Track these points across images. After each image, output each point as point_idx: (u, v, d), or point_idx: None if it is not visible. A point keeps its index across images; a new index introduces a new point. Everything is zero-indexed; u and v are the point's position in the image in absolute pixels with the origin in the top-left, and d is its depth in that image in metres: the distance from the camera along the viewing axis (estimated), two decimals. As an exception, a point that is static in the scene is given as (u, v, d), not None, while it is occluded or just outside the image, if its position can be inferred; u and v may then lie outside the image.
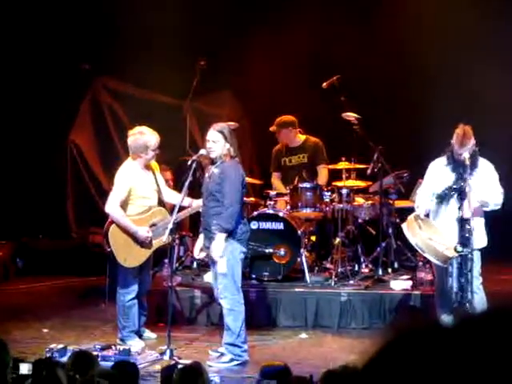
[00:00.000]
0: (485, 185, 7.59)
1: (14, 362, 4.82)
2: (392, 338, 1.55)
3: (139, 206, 8.06)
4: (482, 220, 7.74)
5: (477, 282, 7.62)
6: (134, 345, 7.94)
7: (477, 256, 7.64)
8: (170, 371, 5.51)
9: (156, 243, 8.05)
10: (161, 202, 8.23)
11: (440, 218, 7.76)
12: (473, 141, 7.54)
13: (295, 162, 10.25)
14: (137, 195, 8.02)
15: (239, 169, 7.59)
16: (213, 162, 7.65)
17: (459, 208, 7.55)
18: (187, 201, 8.12)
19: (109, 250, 7.99)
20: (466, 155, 7.48)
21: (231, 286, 7.52)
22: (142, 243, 8.01)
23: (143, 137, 7.99)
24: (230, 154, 7.54)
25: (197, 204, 8.11)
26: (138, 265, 8.07)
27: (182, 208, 8.01)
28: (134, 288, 8.10)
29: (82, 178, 12.25)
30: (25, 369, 4.85)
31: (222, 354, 7.60)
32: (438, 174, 7.72)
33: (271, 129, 10.23)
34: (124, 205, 7.99)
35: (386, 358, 1.52)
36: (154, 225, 8.06)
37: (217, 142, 7.54)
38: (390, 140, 9.89)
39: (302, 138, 10.25)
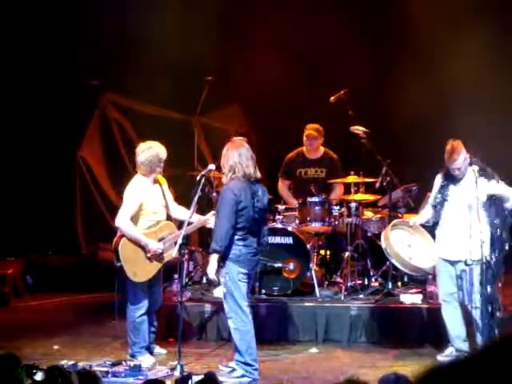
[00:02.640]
0: (495, 190, 7.64)
1: (28, 369, 4.83)
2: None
3: (148, 221, 8.08)
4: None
5: (477, 296, 7.59)
6: (145, 361, 7.92)
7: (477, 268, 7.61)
8: (185, 383, 5.50)
9: (165, 257, 8.06)
10: (169, 217, 8.24)
11: (447, 230, 7.78)
12: (463, 155, 7.61)
13: (311, 174, 10.23)
14: (147, 210, 8.04)
15: (235, 189, 7.40)
16: None
17: (468, 221, 7.57)
18: (196, 217, 8.12)
19: (118, 264, 7.99)
20: (464, 171, 7.58)
21: (234, 306, 7.50)
22: (152, 257, 8.01)
23: (153, 151, 8.02)
24: (232, 174, 7.48)
25: (203, 219, 8.11)
26: (148, 279, 8.07)
27: (190, 223, 8.02)
28: (144, 304, 8.10)
29: (90, 193, 12.28)
30: (39, 377, 4.88)
31: (234, 370, 7.58)
32: (441, 185, 7.85)
33: (306, 134, 10.11)
34: (134, 219, 8.00)
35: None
36: (162, 239, 8.06)
37: (224, 161, 7.54)
38: (399, 153, 9.90)
39: (321, 150, 10.26)
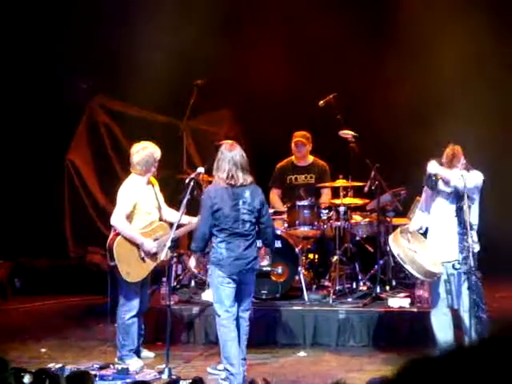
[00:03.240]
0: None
1: (16, 372, 4.83)
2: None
3: (142, 221, 8.09)
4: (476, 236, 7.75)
5: (466, 300, 7.60)
6: (133, 364, 7.92)
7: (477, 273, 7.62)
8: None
9: (158, 258, 8.06)
10: (160, 220, 8.26)
11: (438, 234, 7.79)
12: (463, 161, 7.63)
13: (301, 181, 10.26)
14: (141, 210, 8.05)
15: (211, 191, 7.44)
16: None
17: (458, 224, 7.60)
18: (186, 219, 8.14)
19: (112, 263, 7.98)
20: (463, 173, 7.56)
21: (217, 308, 7.49)
22: (146, 257, 8.01)
23: (148, 150, 8.04)
24: (217, 176, 7.46)
25: (196, 221, 8.12)
26: (140, 280, 8.06)
27: (179, 226, 8.03)
28: (135, 305, 8.09)
29: (79, 196, 12.27)
30: (28, 379, 4.87)
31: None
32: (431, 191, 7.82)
33: (295, 142, 10.14)
34: (128, 219, 8.01)
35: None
36: (156, 239, 8.07)
37: (216, 162, 7.54)
38: (387, 157, 9.93)
39: (310, 158, 10.29)
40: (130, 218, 8.03)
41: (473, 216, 7.66)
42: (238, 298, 7.52)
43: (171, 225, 8.04)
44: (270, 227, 7.64)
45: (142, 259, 8.02)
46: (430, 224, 7.88)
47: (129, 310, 8.07)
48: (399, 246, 7.76)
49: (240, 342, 7.49)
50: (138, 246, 8.02)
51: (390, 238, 8.01)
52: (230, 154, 7.42)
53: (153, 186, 8.22)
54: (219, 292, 7.44)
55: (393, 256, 8.20)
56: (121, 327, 8.13)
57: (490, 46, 10.93)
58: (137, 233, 8.01)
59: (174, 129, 10.96)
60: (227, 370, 7.39)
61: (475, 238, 7.66)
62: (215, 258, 7.41)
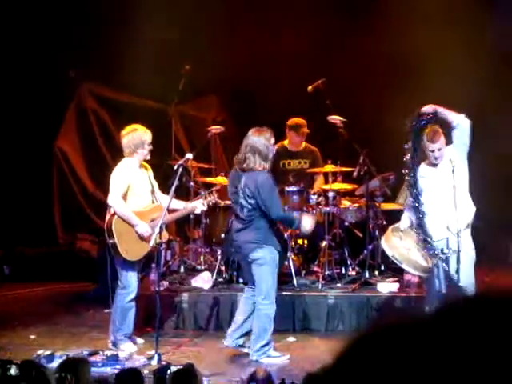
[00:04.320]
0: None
1: (3, 364, 4.81)
2: (360, 336, 1.48)
3: (136, 203, 8.07)
4: (468, 222, 7.77)
5: (465, 284, 7.60)
6: (127, 349, 7.93)
7: (466, 257, 7.63)
8: (163, 373, 5.51)
9: (152, 240, 8.04)
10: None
11: (426, 220, 7.80)
12: (443, 139, 7.64)
13: (294, 166, 10.26)
14: (134, 192, 8.04)
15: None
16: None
17: (445, 210, 7.61)
18: (181, 204, 8.18)
19: (111, 242, 7.98)
20: (442, 154, 7.61)
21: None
22: (143, 237, 8.01)
23: (137, 133, 8.04)
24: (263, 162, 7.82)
25: (191, 206, 8.15)
26: (138, 259, 8.07)
27: (173, 211, 8.08)
28: (135, 288, 8.10)
29: (68, 183, 12.24)
30: (14, 371, 4.85)
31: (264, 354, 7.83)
32: (422, 177, 7.80)
33: (302, 132, 10.16)
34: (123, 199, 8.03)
35: (356, 354, 1.46)
36: (153, 220, 8.06)
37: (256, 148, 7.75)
38: (376, 142, 9.92)
39: (302, 144, 10.30)
40: (124, 199, 8.03)
41: (464, 197, 7.66)
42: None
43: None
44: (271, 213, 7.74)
45: (141, 238, 8.02)
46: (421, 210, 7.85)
47: (128, 293, 8.07)
48: (393, 247, 7.76)
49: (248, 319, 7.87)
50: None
51: (383, 240, 8.01)
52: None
53: (146, 170, 8.21)
54: None
55: (387, 257, 8.18)
56: (118, 310, 8.12)
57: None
58: (132, 213, 8.01)
59: (162, 114, 10.94)
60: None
61: (466, 216, 7.66)
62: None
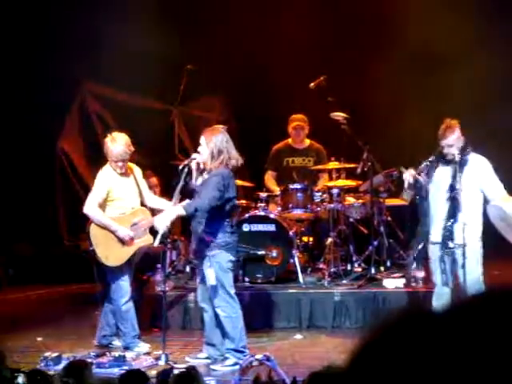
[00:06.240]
0: (480, 179, 7.56)
1: (12, 373, 4.80)
2: (375, 333, 1.47)
3: (118, 208, 8.08)
4: (478, 216, 7.67)
5: (471, 278, 7.55)
6: (140, 350, 7.98)
7: (472, 252, 7.58)
8: (166, 375, 5.51)
9: (138, 243, 8.05)
10: (144, 206, 8.23)
11: (433, 215, 7.75)
12: (457, 134, 7.51)
13: (298, 163, 10.27)
14: (113, 197, 8.04)
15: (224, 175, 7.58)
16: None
17: (451, 205, 7.56)
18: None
19: (91, 248, 8.02)
20: (454, 151, 7.49)
21: (224, 294, 7.50)
22: (124, 242, 8.01)
23: (110, 143, 8.01)
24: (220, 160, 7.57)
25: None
26: (121, 264, 8.05)
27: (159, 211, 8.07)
28: (127, 290, 8.09)
29: (71, 184, 12.22)
30: (22, 379, 4.85)
31: (226, 358, 7.57)
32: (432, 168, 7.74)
33: (294, 126, 10.14)
34: (104, 206, 8.03)
35: (371, 353, 1.45)
36: (135, 224, 8.05)
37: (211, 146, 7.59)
38: (380, 139, 9.91)
39: (307, 141, 10.29)
40: (103, 205, 8.03)
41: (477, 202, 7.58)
42: None
43: (153, 211, 8.05)
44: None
45: (122, 242, 8.01)
46: (430, 207, 7.77)
47: (121, 296, 8.07)
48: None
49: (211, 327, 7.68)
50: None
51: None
52: (226, 136, 7.62)
53: (133, 173, 8.18)
54: (227, 278, 7.59)
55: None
56: (118, 315, 8.13)
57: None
58: (110, 220, 7.99)
59: (166, 115, 10.93)
60: (241, 352, 7.45)
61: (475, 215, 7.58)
62: (224, 243, 7.52)
